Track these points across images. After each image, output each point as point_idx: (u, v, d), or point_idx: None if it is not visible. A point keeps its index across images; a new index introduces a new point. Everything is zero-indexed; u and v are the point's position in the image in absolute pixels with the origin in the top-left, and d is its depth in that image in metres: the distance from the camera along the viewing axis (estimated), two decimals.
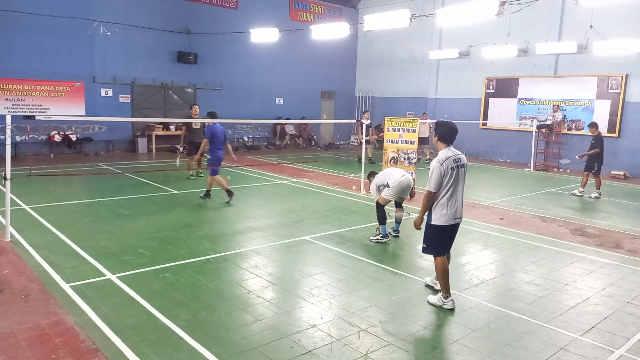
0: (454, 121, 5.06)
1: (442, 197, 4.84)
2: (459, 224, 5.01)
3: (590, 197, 11.34)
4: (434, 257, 5.06)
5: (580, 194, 11.49)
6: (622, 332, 4.56)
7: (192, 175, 12.19)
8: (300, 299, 5.08)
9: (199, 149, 10.32)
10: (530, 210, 9.78)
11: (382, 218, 7.21)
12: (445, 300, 4.93)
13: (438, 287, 5.19)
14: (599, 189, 11.51)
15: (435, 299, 5.03)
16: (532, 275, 6.03)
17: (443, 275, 4.96)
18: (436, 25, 18.78)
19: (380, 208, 7.24)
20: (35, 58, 15.03)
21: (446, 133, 4.91)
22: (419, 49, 20.80)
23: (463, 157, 4.95)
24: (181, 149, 13.71)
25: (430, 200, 4.86)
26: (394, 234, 7.49)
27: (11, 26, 14.45)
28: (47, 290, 5.05)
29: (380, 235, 7.20)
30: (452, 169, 4.79)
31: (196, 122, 11.67)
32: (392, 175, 7.32)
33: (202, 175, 12.24)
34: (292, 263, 6.27)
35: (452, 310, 4.90)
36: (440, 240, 4.99)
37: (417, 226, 5.04)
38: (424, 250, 5.13)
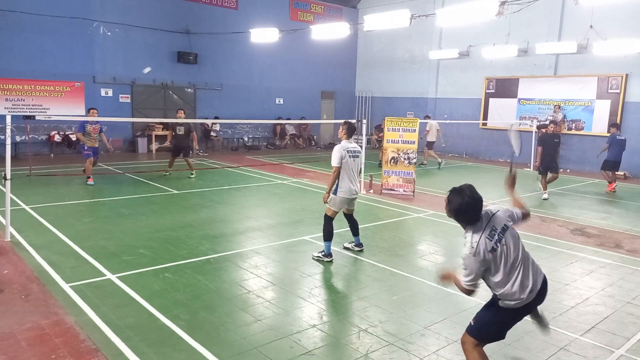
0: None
1: (503, 279, 3.29)
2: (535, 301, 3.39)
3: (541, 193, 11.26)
4: (472, 339, 3.40)
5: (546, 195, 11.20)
6: (622, 332, 4.56)
7: (191, 174, 12.55)
8: (300, 299, 5.08)
9: (180, 151, 12.32)
10: (530, 211, 9.76)
11: (328, 233, 6.22)
12: None
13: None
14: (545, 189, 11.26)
15: None
16: None
17: None
18: (436, 25, 18.78)
19: (328, 221, 6.25)
20: (35, 58, 15.02)
21: (467, 209, 3.32)
22: (419, 49, 20.79)
23: (507, 222, 3.52)
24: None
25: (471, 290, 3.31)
26: (357, 248, 6.74)
27: (11, 26, 14.44)
28: (47, 290, 5.05)
29: (323, 253, 6.28)
30: (494, 249, 3.27)
31: (180, 124, 12.42)
32: (344, 177, 6.14)
33: (194, 175, 12.62)
34: (292, 263, 6.27)
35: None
36: (503, 327, 3.43)
37: None
38: (470, 331, 3.43)
